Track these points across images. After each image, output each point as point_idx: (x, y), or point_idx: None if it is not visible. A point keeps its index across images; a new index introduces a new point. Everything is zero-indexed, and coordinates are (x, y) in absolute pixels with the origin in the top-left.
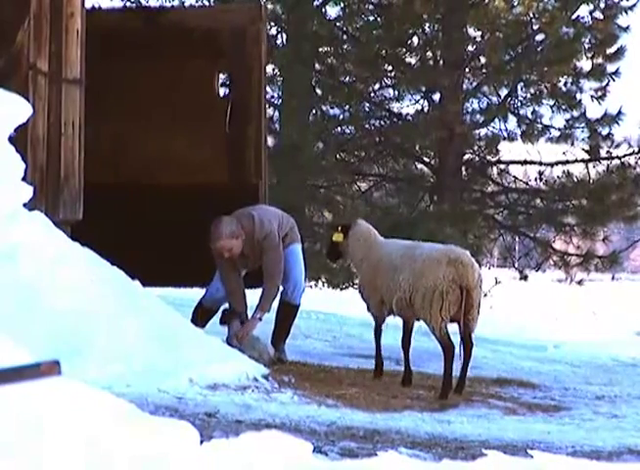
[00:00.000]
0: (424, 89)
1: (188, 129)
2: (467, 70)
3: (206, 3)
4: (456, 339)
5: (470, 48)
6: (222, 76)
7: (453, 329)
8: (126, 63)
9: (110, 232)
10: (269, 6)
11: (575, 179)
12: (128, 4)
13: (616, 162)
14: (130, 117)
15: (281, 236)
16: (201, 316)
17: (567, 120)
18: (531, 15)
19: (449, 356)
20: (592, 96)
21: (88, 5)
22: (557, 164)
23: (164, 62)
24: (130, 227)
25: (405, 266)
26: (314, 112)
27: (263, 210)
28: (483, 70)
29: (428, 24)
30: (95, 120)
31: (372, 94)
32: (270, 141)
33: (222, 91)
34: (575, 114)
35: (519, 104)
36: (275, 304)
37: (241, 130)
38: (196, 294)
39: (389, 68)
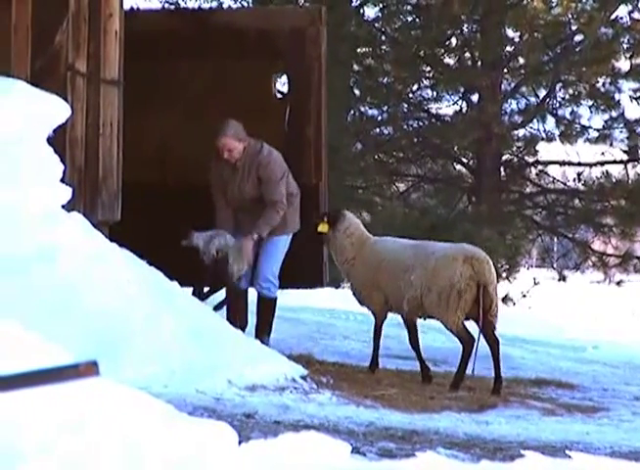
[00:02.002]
0: (462, 90)
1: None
2: (505, 70)
3: (243, 4)
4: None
5: (508, 49)
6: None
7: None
8: (178, 63)
9: (154, 232)
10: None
11: (614, 180)
12: (170, 6)
13: None
14: (181, 118)
15: (284, 186)
16: (235, 310)
17: (605, 121)
18: (570, 15)
19: (468, 350)
20: (631, 96)
21: (127, 6)
22: (595, 164)
23: (218, 62)
24: (176, 227)
25: (417, 265)
26: (352, 112)
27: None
28: (522, 71)
29: (466, 25)
30: (146, 121)
31: (410, 95)
32: None
33: (280, 92)
34: (614, 114)
35: (557, 104)
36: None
37: (300, 131)
38: None
39: (428, 68)
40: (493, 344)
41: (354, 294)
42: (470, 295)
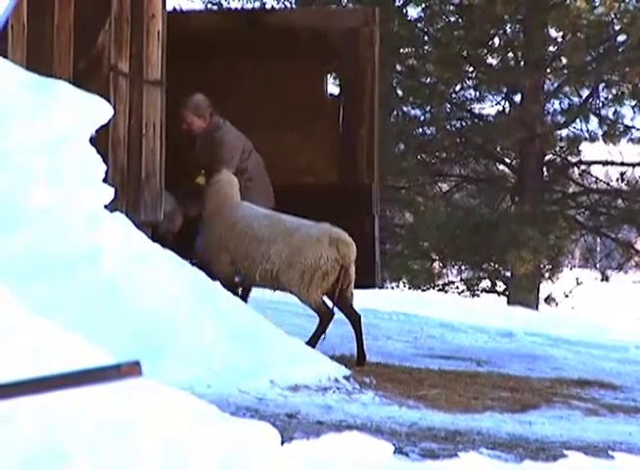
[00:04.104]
0: (505, 90)
1: (295, 129)
2: (548, 70)
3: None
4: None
5: (551, 49)
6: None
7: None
8: (231, 63)
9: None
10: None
11: None
12: (213, 6)
13: None
14: (233, 118)
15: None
16: None
17: None
18: (613, 15)
19: (326, 323)
20: None
21: (170, 7)
22: (638, 164)
23: (269, 62)
24: None
25: (278, 240)
26: (395, 113)
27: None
28: (565, 71)
29: (509, 25)
30: None
31: (453, 95)
32: None
33: (331, 92)
34: None
35: (600, 104)
36: None
37: (353, 131)
38: (278, 295)
39: (470, 68)
40: (355, 318)
41: (204, 253)
42: (333, 276)
